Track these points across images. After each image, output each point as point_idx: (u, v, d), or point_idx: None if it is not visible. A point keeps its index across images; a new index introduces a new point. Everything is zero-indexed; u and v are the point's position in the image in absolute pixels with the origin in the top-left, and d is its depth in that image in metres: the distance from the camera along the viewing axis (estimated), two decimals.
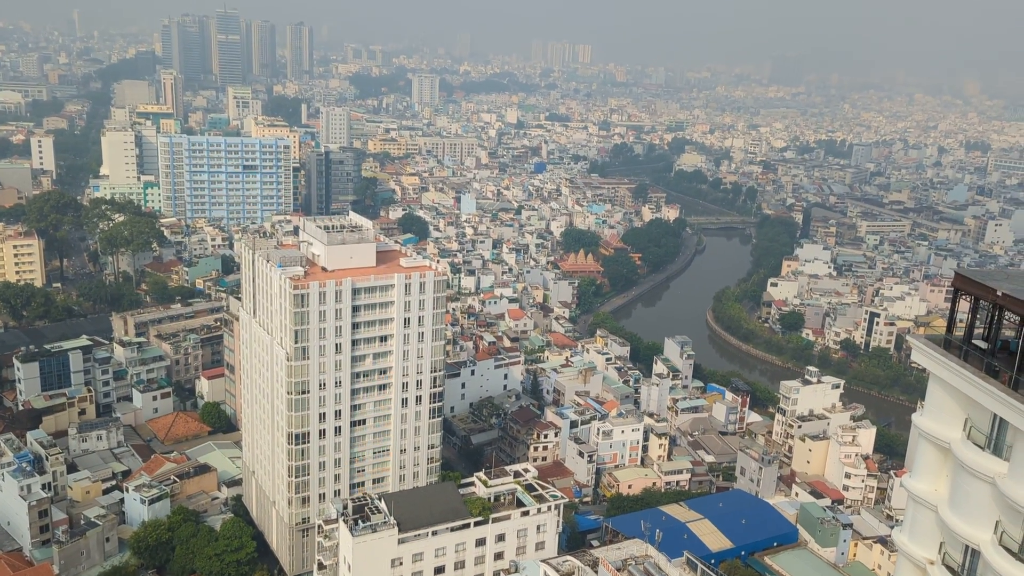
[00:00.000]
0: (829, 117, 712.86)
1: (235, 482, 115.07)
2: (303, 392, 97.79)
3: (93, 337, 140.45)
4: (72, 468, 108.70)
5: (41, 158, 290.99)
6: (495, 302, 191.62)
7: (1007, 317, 33.30)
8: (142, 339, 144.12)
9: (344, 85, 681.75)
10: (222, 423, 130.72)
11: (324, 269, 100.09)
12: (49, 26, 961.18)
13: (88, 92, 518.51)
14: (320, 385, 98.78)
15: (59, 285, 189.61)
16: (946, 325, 36.59)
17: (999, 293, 32.86)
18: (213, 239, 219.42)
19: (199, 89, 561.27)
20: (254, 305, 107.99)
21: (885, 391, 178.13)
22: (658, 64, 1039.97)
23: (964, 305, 35.69)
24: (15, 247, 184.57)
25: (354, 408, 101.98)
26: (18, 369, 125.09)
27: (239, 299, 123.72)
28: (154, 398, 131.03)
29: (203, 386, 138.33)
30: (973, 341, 34.42)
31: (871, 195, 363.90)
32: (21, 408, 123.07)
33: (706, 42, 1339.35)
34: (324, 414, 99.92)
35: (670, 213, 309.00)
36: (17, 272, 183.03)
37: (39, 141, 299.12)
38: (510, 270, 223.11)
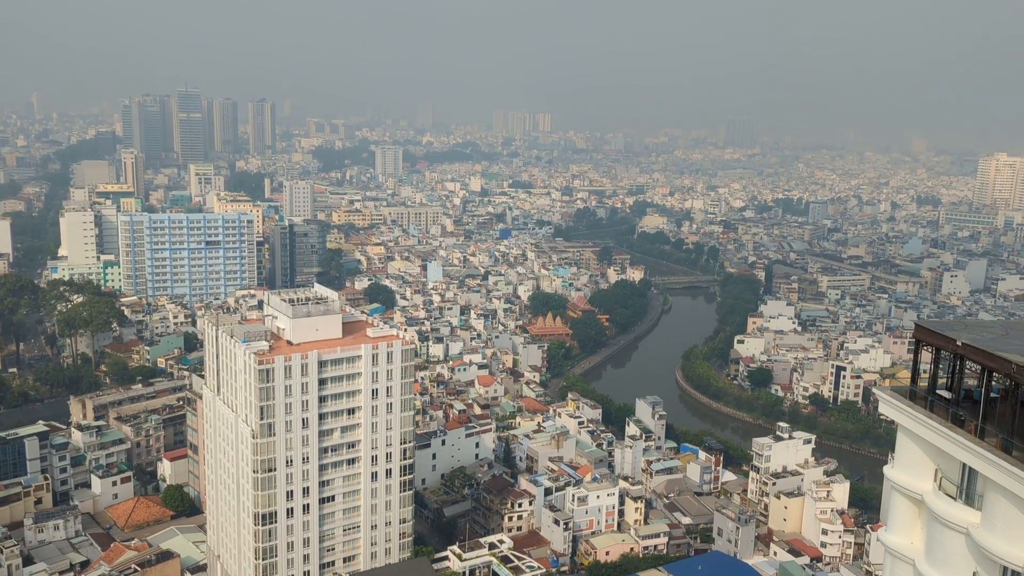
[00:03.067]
0: (784, 176, 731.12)
1: (199, 568, 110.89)
2: (269, 470, 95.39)
3: (50, 422, 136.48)
4: (28, 561, 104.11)
5: None
6: (464, 369, 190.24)
7: (968, 366, 33.63)
8: (101, 422, 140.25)
9: (307, 159, 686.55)
10: (185, 506, 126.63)
11: (290, 343, 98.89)
12: (7, 109, 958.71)
13: (47, 174, 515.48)
14: (287, 462, 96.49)
15: (15, 370, 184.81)
16: (910, 376, 36.85)
17: (959, 343, 33.25)
18: (175, 317, 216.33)
19: (160, 167, 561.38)
20: (218, 382, 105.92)
21: (856, 444, 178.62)
22: (616, 130, 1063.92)
23: (927, 356, 36.03)
24: None
25: (322, 484, 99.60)
26: None
27: (202, 377, 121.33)
28: (114, 483, 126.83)
29: (165, 468, 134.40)
30: (937, 391, 34.64)
31: (830, 251, 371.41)
32: None
33: (662, 108, 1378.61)
34: (292, 492, 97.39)
35: (635, 274, 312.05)
36: None
37: None
38: (479, 336, 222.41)
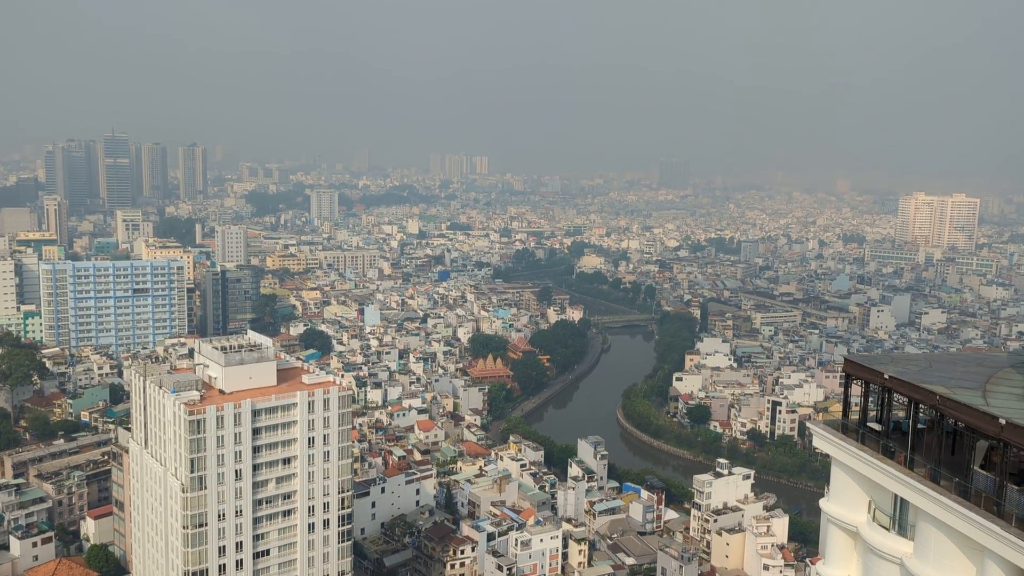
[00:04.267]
0: (717, 216, 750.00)
1: None
2: (200, 525, 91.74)
3: None
4: None
5: None
6: (404, 414, 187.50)
7: (896, 398, 34.39)
8: (20, 480, 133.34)
9: (240, 203, 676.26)
10: (111, 567, 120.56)
11: (222, 392, 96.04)
12: None
13: None
14: (219, 516, 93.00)
15: None
16: (842, 410, 37.51)
17: (886, 376, 34.03)
18: (100, 368, 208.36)
19: (86, 214, 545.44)
20: (145, 435, 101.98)
21: (793, 478, 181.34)
22: (553, 173, 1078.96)
23: (857, 389, 36.74)
24: None
25: (257, 538, 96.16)
26: None
27: (129, 430, 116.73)
28: (34, 544, 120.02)
29: (89, 527, 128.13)
30: (868, 424, 35.28)
31: (762, 288, 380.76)
32: None
33: (597, 151, 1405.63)
34: (224, 547, 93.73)
35: (574, 314, 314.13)
36: None
37: None
38: (418, 380, 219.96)
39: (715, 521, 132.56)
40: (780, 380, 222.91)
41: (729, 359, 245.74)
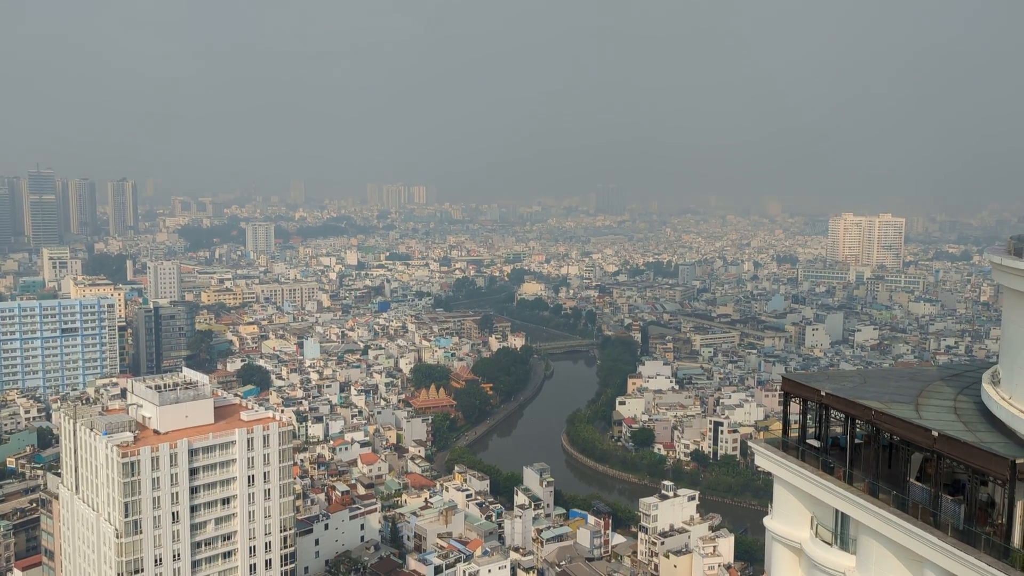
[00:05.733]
0: (654, 241, 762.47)
1: None
2: (136, 572, 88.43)
3: None
4: None
5: None
6: (346, 448, 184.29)
7: (834, 415, 35.17)
8: None
9: (173, 238, 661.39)
10: None
11: (157, 432, 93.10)
12: None
13: None
14: (156, 561, 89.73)
15: None
16: (782, 427, 38.18)
17: (823, 393, 34.81)
18: (27, 411, 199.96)
19: (9, 252, 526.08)
20: (76, 480, 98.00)
21: (737, 497, 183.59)
22: (492, 201, 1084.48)
23: (795, 407, 37.47)
24: None
25: None
26: None
27: (59, 475, 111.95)
28: None
29: None
30: (807, 440, 35.96)
31: (700, 310, 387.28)
32: None
33: (534, 178, 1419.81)
34: None
35: (516, 341, 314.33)
36: None
37: None
38: (360, 413, 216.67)
39: (662, 544, 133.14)
40: (721, 400, 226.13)
41: (671, 381, 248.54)
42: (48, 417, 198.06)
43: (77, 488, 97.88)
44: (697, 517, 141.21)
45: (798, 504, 35.48)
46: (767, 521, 37.26)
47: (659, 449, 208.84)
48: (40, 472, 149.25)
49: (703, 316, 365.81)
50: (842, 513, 33.11)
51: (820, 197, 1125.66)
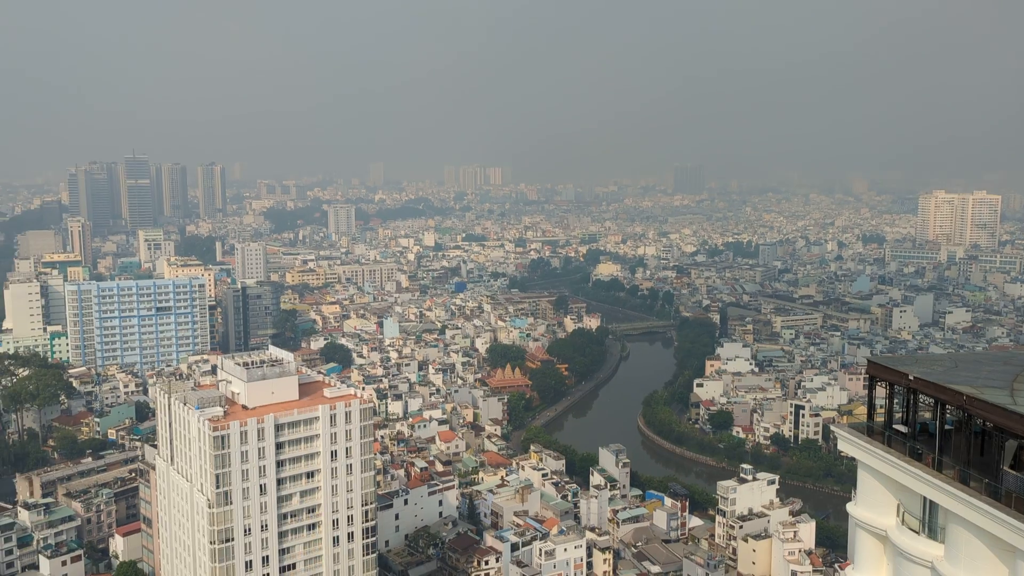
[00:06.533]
0: (733, 220, 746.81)
1: None
2: (227, 540, 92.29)
3: None
4: None
5: None
6: (424, 425, 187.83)
7: (922, 400, 34.18)
8: (50, 499, 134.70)
9: (259, 220, 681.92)
10: None
11: (245, 407, 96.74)
12: None
13: None
14: (245, 531, 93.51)
15: None
16: (867, 412, 37.30)
17: (911, 377, 33.85)
18: (126, 386, 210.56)
19: (108, 235, 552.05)
20: (171, 452, 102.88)
21: (819, 483, 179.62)
22: (567, 181, 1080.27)
23: (881, 391, 36.55)
24: None
25: (283, 552, 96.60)
26: None
27: (155, 447, 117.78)
28: (63, 563, 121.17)
29: (118, 544, 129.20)
30: (894, 426, 35.08)
31: (781, 291, 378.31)
32: None
33: (611, 158, 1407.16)
34: (251, 562, 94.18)
35: (592, 322, 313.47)
36: None
37: None
38: (438, 391, 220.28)
39: (740, 527, 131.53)
40: (802, 384, 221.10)
41: (750, 364, 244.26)
42: (145, 392, 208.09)
43: (172, 460, 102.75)
44: (777, 502, 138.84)
45: (884, 491, 34.71)
46: (851, 507, 36.58)
47: (738, 432, 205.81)
48: (138, 444, 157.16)
49: (784, 297, 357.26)
50: (930, 501, 32.27)
51: (909, 174, 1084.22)
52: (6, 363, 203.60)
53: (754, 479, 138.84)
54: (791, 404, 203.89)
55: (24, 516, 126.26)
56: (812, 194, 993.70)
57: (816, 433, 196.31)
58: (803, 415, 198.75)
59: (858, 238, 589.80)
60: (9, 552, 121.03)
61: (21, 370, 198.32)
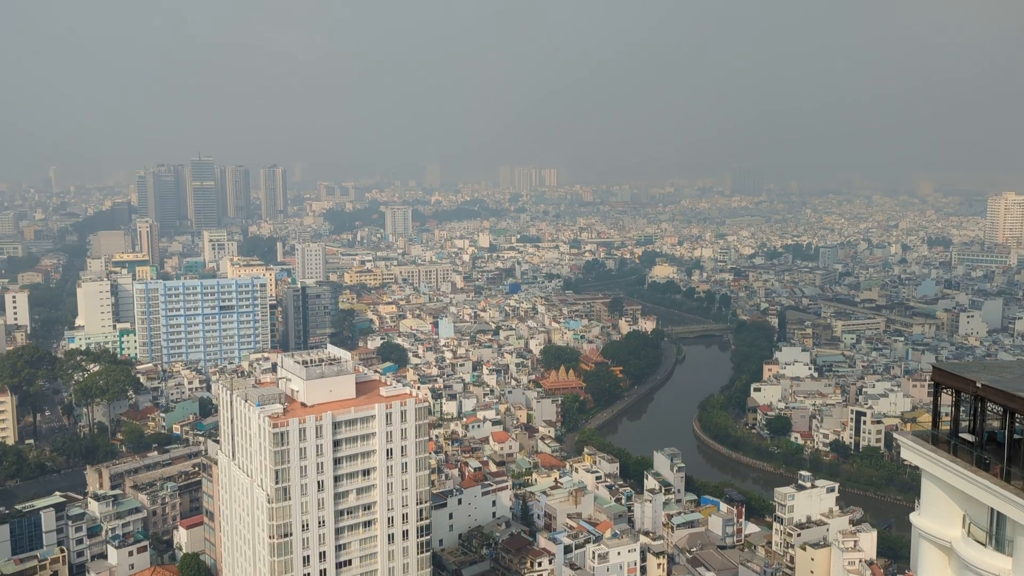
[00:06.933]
0: (793, 222, 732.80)
1: None
2: (285, 535, 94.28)
3: (66, 493, 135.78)
4: None
5: (15, 313, 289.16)
6: (478, 426, 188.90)
7: (990, 408, 33.24)
8: (117, 491, 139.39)
9: (318, 222, 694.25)
10: (202, 575, 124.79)
11: (304, 404, 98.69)
12: (26, 184, 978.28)
13: (64, 246, 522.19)
14: (303, 526, 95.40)
15: (31, 441, 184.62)
16: (931, 420, 36.41)
17: (979, 385, 32.94)
18: (190, 382, 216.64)
19: (175, 235, 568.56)
20: (233, 447, 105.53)
21: (880, 491, 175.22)
22: (623, 182, 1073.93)
23: (947, 399, 35.65)
24: None
25: (339, 548, 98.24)
26: None
27: (217, 442, 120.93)
28: (130, 553, 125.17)
29: (181, 536, 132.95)
30: (960, 435, 34.19)
31: (842, 295, 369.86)
32: None
33: (667, 159, 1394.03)
34: (308, 557, 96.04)
35: (647, 325, 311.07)
36: None
37: (13, 297, 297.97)
38: (492, 392, 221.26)
39: (799, 535, 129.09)
40: (864, 390, 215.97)
41: (809, 368, 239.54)
42: (208, 388, 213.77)
43: (234, 455, 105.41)
44: (836, 510, 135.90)
45: (949, 501, 33.86)
46: (914, 517, 35.76)
47: (796, 438, 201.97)
48: (201, 439, 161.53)
49: (845, 301, 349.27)
50: (998, 513, 31.37)
51: (977, 175, 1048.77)
52: (78, 358, 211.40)
53: (813, 486, 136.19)
54: (852, 410, 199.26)
55: (94, 507, 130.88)
56: (875, 196, 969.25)
57: (878, 441, 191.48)
58: (864, 422, 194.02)
59: (923, 241, 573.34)
60: (80, 541, 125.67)
61: (92, 365, 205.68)
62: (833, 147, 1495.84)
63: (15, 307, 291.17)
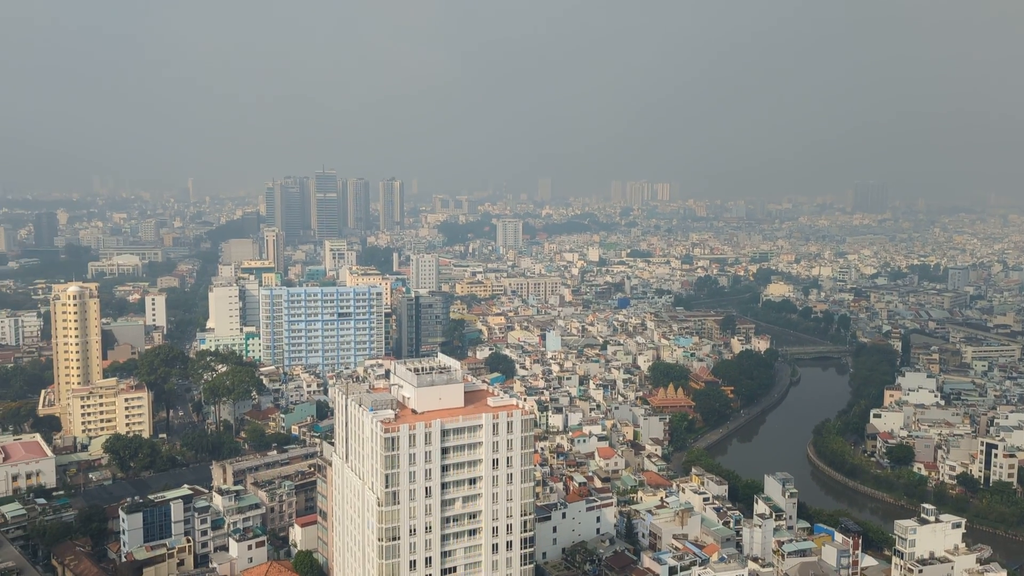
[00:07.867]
0: (920, 242, 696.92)
1: None
2: (394, 538, 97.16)
3: (194, 486, 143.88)
4: None
5: (154, 315, 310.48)
6: (584, 440, 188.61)
7: None
8: (239, 487, 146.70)
9: (433, 233, 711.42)
10: (315, 572, 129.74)
11: (414, 411, 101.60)
12: (166, 194, 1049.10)
13: (199, 252, 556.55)
14: (411, 531, 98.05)
15: (164, 436, 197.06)
16: None
17: None
18: (309, 385, 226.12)
19: (299, 244, 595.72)
20: (346, 450, 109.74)
21: (1012, 530, 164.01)
22: (738, 198, 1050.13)
23: None
24: (127, 400, 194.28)
25: (444, 555, 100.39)
26: (123, 520, 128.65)
27: (332, 444, 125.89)
28: (249, 547, 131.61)
29: (296, 534, 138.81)
30: None
31: (973, 319, 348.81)
32: (124, 560, 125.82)
33: (784, 174, 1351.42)
34: (414, 562, 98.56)
35: (760, 344, 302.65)
36: (128, 424, 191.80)
37: (152, 299, 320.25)
38: (598, 407, 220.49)
39: (920, 572, 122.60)
40: (996, 420, 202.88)
41: (935, 396, 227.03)
42: (325, 392, 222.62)
43: (347, 457, 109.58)
44: (963, 547, 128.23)
45: None
46: None
47: (919, 469, 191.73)
48: (318, 440, 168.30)
49: (976, 326, 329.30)
50: None
51: None
52: (208, 359, 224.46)
53: (937, 520, 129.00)
54: (982, 442, 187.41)
55: (218, 501, 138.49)
56: (1012, 215, 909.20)
57: (1011, 476, 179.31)
58: (996, 455, 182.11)
59: None
60: (204, 533, 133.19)
61: (220, 366, 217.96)
62: (965, 160, 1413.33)
63: (154, 309, 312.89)
